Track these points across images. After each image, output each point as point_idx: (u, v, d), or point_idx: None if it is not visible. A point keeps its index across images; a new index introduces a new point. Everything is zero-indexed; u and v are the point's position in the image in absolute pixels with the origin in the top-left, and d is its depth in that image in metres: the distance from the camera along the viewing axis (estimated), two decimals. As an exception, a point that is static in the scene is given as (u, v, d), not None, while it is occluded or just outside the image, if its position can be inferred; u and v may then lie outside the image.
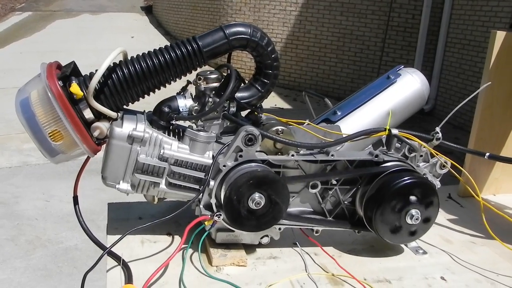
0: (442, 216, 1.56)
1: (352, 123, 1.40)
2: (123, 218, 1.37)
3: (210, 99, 1.21)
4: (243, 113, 1.31)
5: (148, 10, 12.44)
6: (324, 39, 7.19)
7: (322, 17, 7.14)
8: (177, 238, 1.30)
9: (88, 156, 1.22)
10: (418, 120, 5.33)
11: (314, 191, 1.25)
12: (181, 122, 1.24)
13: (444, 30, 6.18)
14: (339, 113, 1.42)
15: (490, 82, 1.56)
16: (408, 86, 1.45)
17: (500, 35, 1.60)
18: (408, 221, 1.21)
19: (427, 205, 1.23)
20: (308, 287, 1.13)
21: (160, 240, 1.28)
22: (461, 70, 5.93)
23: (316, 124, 1.35)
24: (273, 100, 6.67)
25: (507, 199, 1.74)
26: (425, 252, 1.33)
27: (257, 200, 1.14)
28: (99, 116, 1.16)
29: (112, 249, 1.16)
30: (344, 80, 7.12)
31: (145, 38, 9.65)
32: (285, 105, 6.59)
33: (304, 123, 1.33)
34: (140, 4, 13.25)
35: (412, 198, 1.21)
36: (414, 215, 1.20)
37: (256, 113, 1.29)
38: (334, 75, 7.23)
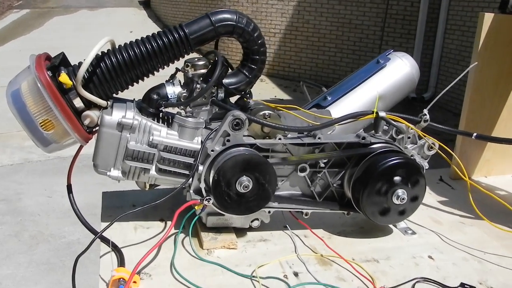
0: (432, 198, 1.57)
1: (342, 107, 1.41)
2: (117, 206, 1.39)
3: (198, 86, 1.22)
4: (233, 99, 1.33)
5: (146, 5, 12.40)
6: (323, 29, 7.16)
7: (320, 7, 7.11)
8: (169, 223, 1.31)
9: (80, 145, 1.24)
10: (418, 107, 5.31)
11: (303, 174, 1.27)
12: (170, 109, 1.25)
13: (443, 17, 6.15)
14: (329, 98, 1.43)
15: (476, 63, 1.57)
16: (398, 70, 1.46)
17: (488, 17, 1.60)
18: (395, 201, 1.22)
19: (414, 185, 1.24)
20: (297, 267, 1.15)
21: (153, 226, 1.30)
22: (460, 57, 5.91)
23: (307, 110, 1.36)
24: (273, 91, 6.66)
25: (498, 180, 1.75)
26: (414, 233, 1.34)
27: (245, 183, 1.15)
28: (89, 105, 1.18)
29: (105, 235, 1.18)
30: (343, 69, 7.10)
31: (144, 33, 9.47)
32: (285, 96, 6.58)
33: (293, 108, 1.34)
34: (138, -2, 13.21)
35: (398, 178, 1.21)
36: (401, 195, 1.21)
37: (245, 98, 1.31)
38: (333, 65, 7.21)
